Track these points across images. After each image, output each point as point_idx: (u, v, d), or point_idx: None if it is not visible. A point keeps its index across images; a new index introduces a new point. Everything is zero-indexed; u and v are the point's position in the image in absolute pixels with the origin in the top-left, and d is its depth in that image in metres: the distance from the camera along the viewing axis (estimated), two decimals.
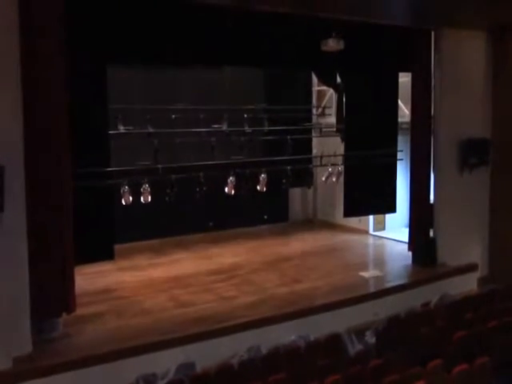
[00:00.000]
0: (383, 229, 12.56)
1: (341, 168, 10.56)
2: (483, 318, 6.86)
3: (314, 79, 13.02)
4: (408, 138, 10.19)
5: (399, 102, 10.52)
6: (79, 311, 7.17)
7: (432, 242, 9.89)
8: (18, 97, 6.25)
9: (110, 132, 8.35)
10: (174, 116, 10.35)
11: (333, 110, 12.54)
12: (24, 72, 6.28)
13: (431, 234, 10.01)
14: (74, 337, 6.99)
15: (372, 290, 8.99)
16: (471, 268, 9.99)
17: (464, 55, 9.93)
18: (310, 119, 12.99)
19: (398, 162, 10.54)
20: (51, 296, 6.69)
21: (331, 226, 13.11)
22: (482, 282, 10.05)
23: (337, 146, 11.12)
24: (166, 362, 6.57)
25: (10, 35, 6.16)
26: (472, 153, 9.87)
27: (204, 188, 9.47)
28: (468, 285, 9.64)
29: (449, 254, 9.84)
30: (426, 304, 8.04)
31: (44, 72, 6.45)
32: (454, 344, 6.08)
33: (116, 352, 6.62)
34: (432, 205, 10.03)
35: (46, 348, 6.62)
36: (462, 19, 9.12)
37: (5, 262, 6.18)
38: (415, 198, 10.02)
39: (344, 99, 10.83)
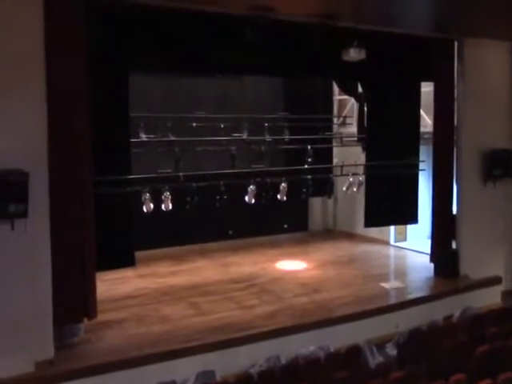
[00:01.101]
0: (404, 240, 12.42)
1: (362, 178, 10.47)
2: (506, 332, 6.72)
3: (335, 88, 13.01)
4: (430, 148, 10.08)
5: (421, 111, 10.44)
6: (100, 317, 7.21)
7: (454, 254, 9.74)
8: (43, 104, 6.33)
9: (132, 140, 8.43)
10: (194, 124, 10.46)
11: (354, 120, 12.54)
12: (48, 79, 6.36)
13: (454, 245, 9.86)
14: (95, 343, 7.05)
15: (393, 301, 8.86)
16: (495, 281, 9.80)
17: (487, 65, 9.82)
18: (330, 128, 12.96)
19: (420, 173, 10.43)
20: (73, 302, 6.73)
21: (351, 236, 13.03)
22: (505, 295, 9.86)
23: (358, 155, 11.06)
24: (186, 369, 6.59)
25: (34, 42, 6.25)
26: (496, 164, 9.71)
27: (224, 196, 9.51)
28: (491, 298, 9.45)
29: (471, 266, 9.68)
30: (449, 317, 7.94)
31: (67, 79, 6.51)
32: (477, 359, 5.97)
33: (136, 359, 6.64)
34: (455, 216, 9.88)
35: (67, 353, 6.68)
36: (486, 29, 9.02)
37: (28, 267, 6.26)
38: (437, 208, 9.89)
39: (365, 108, 10.82)
